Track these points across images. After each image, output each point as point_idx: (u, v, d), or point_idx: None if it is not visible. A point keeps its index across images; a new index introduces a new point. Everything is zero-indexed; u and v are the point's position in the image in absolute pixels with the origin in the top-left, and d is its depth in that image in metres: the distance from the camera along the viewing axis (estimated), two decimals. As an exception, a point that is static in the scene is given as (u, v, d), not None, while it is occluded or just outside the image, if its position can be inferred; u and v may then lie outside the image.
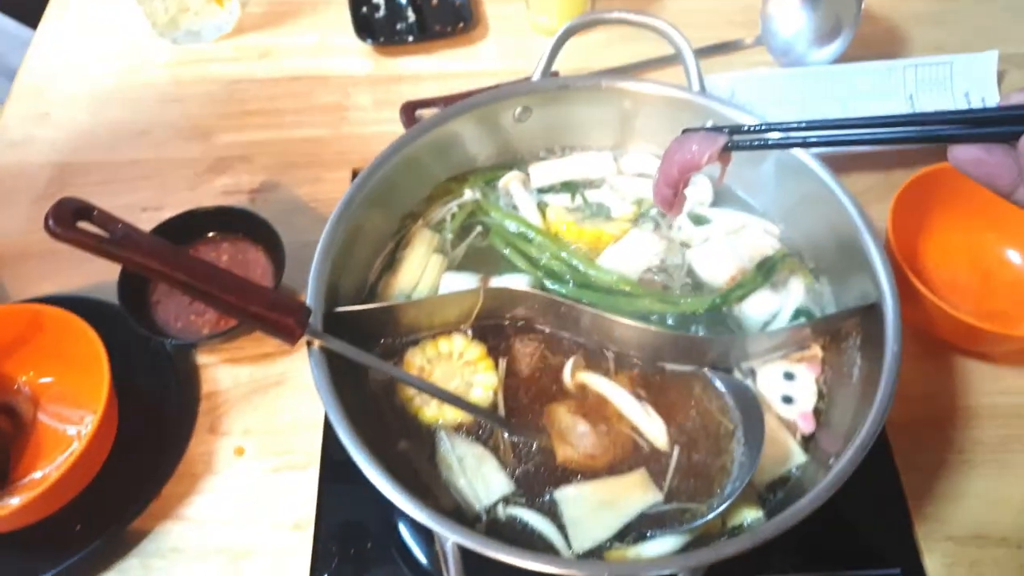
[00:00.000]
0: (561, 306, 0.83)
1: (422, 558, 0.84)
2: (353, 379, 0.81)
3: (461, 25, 1.28)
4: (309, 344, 0.74)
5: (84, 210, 0.63)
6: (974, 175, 0.54)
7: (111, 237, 0.63)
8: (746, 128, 0.66)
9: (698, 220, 0.96)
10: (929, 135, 0.56)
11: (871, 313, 0.80)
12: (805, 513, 0.67)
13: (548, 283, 0.91)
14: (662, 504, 0.78)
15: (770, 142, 0.65)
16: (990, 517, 0.86)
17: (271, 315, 0.69)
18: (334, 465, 0.89)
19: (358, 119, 1.21)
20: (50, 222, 0.60)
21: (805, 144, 0.64)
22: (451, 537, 0.65)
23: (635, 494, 0.78)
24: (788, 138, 0.64)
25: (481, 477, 0.79)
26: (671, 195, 0.74)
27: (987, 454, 0.90)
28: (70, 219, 0.61)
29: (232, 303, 0.68)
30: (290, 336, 0.71)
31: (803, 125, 0.62)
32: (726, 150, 0.66)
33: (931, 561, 0.84)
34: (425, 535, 0.85)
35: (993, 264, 1.01)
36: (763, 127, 0.65)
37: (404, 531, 0.86)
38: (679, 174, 0.70)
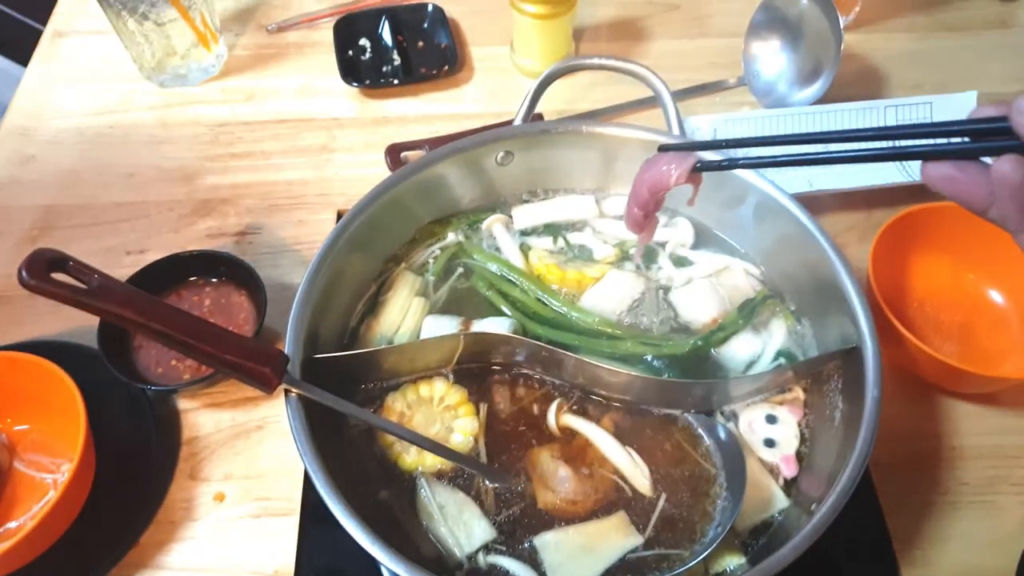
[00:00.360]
0: (542, 350, 0.83)
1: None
2: (333, 425, 0.81)
3: (446, 68, 1.29)
4: (287, 392, 0.73)
5: (59, 261, 0.62)
6: (947, 193, 0.53)
7: (86, 288, 0.63)
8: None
9: (680, 262, 0.97)
10: (901, 152, 0.56)
11: (852, 356, 0.80)
12: (788, 560, 0.66)
13: (530, 325, 0.90)
14: (643, 549, 0.77)
15: (740, 160, 0.65)
16: (977, 560, 0.85)
17: (247, 364, 0.69)
18: (315, 511, 0.88)
19: (343, 161, 1.21)
20: (23, 274, 0.60)
21: (776, 163, 0.63)
22: (428, 590, 0.64)
23: (615, 538, 0.77)
24: (759, 157, 0.64)
25: (462, 524, 0.78)
26: (641, 216, 0.74)
27: (973, 495, 0.90)
28: (44, 270, 0.61)
29: (208, 352, 0.68)
30: (267, 385, 0.70)
31: (776, 140, 0.62)
32: (696, 170, 0.67)
33: (918, 606, 0.83)
34: (407, 583, 0.84)
35: (976, 304, 1.01)
36: (733, 142, 0.65)
37: (386, 578, 0.85)
38: (649, 194, 0.70)
